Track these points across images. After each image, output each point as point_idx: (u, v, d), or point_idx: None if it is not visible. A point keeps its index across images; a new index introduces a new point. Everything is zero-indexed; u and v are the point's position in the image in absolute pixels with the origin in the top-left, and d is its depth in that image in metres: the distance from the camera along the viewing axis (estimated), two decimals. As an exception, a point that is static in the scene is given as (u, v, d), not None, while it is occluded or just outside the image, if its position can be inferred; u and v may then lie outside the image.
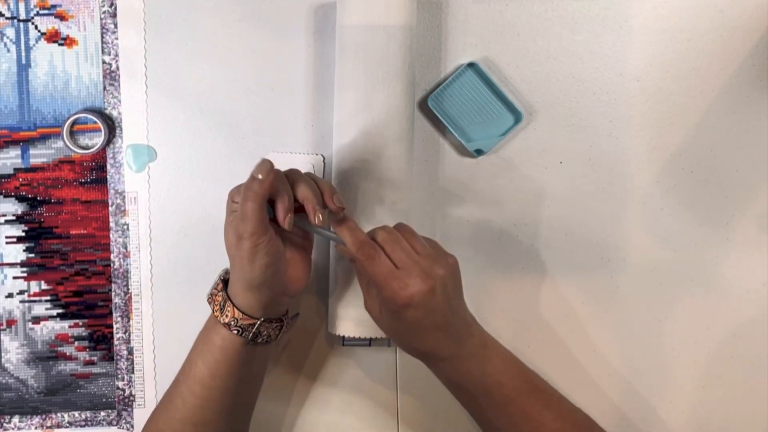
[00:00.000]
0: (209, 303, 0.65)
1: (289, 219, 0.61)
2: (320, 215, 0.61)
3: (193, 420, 0.64)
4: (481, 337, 0.65)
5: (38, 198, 0.75)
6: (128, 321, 0.76)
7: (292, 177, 0.63)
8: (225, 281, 0.65)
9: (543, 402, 0.64)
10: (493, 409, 0.64)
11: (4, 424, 0.76)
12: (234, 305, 0.63)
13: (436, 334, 0.62)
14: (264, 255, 0.60)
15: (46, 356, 0.76)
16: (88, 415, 0.77)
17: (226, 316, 0.63)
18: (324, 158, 0.76)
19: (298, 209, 0.62)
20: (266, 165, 0.60)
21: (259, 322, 0.63)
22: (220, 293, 0.64)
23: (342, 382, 0.77)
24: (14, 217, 0.75)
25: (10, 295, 0.76)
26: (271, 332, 0.65)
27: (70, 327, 0.76)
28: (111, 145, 0.75)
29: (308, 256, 0.67)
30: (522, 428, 0.63)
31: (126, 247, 0.76)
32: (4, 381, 0.76)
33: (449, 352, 0.63)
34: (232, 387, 0.65)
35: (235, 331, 0.63)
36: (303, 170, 0.74)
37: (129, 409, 0.77)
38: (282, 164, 0.75)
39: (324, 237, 0.64)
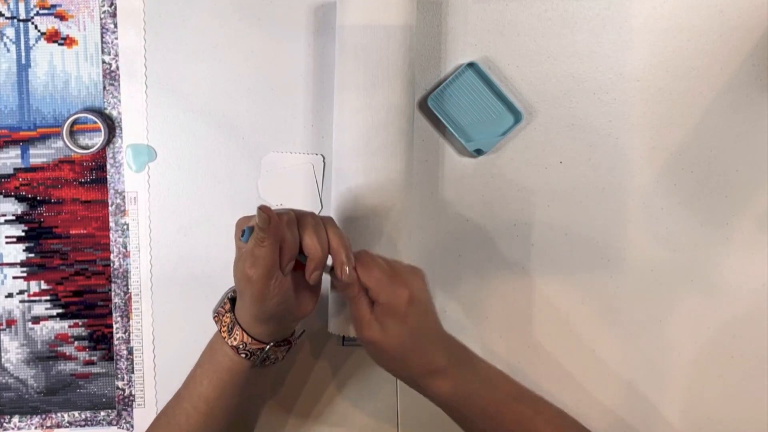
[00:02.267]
0: (215, 321, 0.65)
1: (289, 267, 0.60)
2: (316, 276, 0.61)
3: None
4: (467, 351, 0.64)
5: (38, 198, 0.75)
6: (128, 321, 0.76)
7: (303, 224, 0.61)
8: (232, 300, 0.65)
9: (533, 408, 0.63)
10: (486, 420, 0.63)
11: (4, 424, 0.76)
12: (243, 329, 0.62)
13: (435, 341, 0.62)
14: (275, 295, 0.60)
15: (45, 356, 0.76)
16: (88, 415, 0.77)
17: (235, 339, 0.62)
18: (324, 158, 0.76)
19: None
20: (263, 216, 0.58)
21: (268, 347, 0.63)
22: (228, 314, 0.64)
23: (342, 382, 0.77)
24: (14, 217, 0.75)
25: (9, 295, 0.76)
26: (279, 354, 0.65)
27: (69, 327, 0.76)
28: (111, 145, 0.75)
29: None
30: None
31: (126, 247, 0.76)
32: (3, 381, 0.76)
33: (444, 362, 0.62)
34: (238, 406, 0.65)
35: (243, 355, 0.63)
36: (303, 170, 0.74)
37: (129, 409, 0.77)
38: (282, 164, 0.76)
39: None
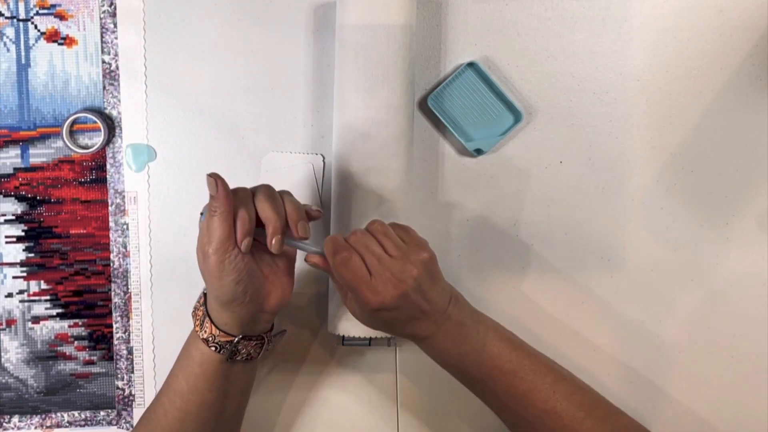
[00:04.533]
0: (192, 317, 0.65)
1: (246, 243, 0.60)
2: (277, 241, 0.60)
3: None
4: (459, 316, 0.64)
5: (38, 198, 0.75)
6: (128, 321, 0.76)
7: (258, 196, 0.61)
8: (206, 294, 0.65)
9: (532, 382, 0.63)
10: (478, 384, 0.64)
11: (4, 424, 0.76)
12: (212, 321, 0.63)
13: (411, 323, 0.62)
14: (231, 271, 0.60)
15: (45, 356, 0.76)
16: (88, 414, 0.77)
17: (205, 331, 0.63)
18: (324, 158, 0.76)
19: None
20: (211, 181, 0.59)
21: (236, 340, 0.63)
22: (202, 308, 0.64)
23: (342, 382, 0.77)
24: (14, 217, 0.75)
25: (9, 295, 0.76)
26: (251, 350, 0.64)
27: (69, 327, 0.76)
28: (111, 145, 0.75)
29: (289, 271, 0.65)
30: (513, 404, 0.63)
31: (126, 247, 0.76)
32: (3, 381, 0.76)
33: (425, 333, 0.63)
34: (212, 402, 0.64)
35: (213, 348, 0.63)
36: (303, 170, 0.74)
37: (129, 409, 0.77)
38: (282, 164, 0.76)
39: (297, 248, 0.64)
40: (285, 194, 0.63)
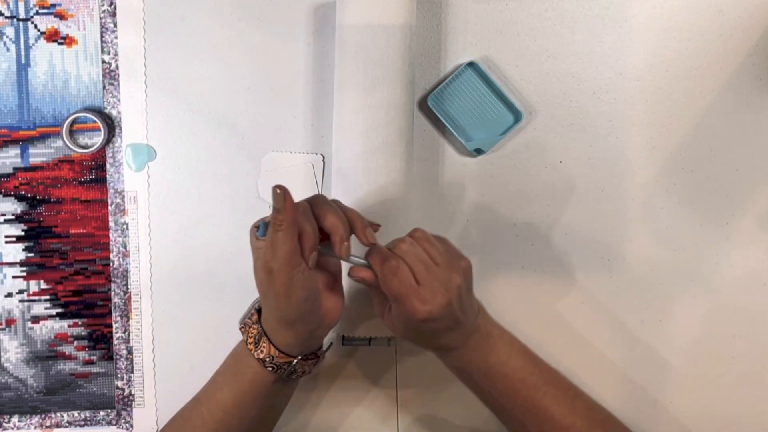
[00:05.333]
0: (242, 332, 0.63)
1: (313, 257, 0.58)
2: (346, 248, 0.58)
3: None
4: (487, 327, 0.64)
5: (37, 197, 0.75)
6: (127, 320, 0.76)
7: (317, 206, 0.59)
8: (259, 311, 0.63)
9: (553, 396, 0.63)
10: (499, 397, 0.64)
11: (4, 424, 0.76)
12: (271, 342, 0.60)
13: (446, 334, 0.62)
14: (300, 288, 0.57)
15: (45, 356, 0.76)
16: (88, 414, 0.77)
17: (261, 351, 0.61)
18: (324, 158, 0.76)
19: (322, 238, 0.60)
20: (278, 194, 0.56)
21: (295, 362, 0.61)
22: (255, 325, 0.62)
23: (342, 381, 0.77)
24: (13, 217, 0.75)
25: (9, 295, 0.76)
26: (306, 368, 0.63)
27: (69, 326, 0.76)
28: (110, 145, 0.75)
29: (340, 284, 0.64)
30: (531, 420, 0.63)
31: (125, 247, 0.76)
32: (3, 380, 0.76)
33: (456, 344, 0.62)
34: (256, 417, 0.64)
35: (270, 368, 0.61)
36: (302, 169, 0.74)
37: (128, 409, 0.77)
38: (282, 164, 0.76)
39: (348, 262, 0.62)
40: (337, 202, 0.61)
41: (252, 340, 0.61)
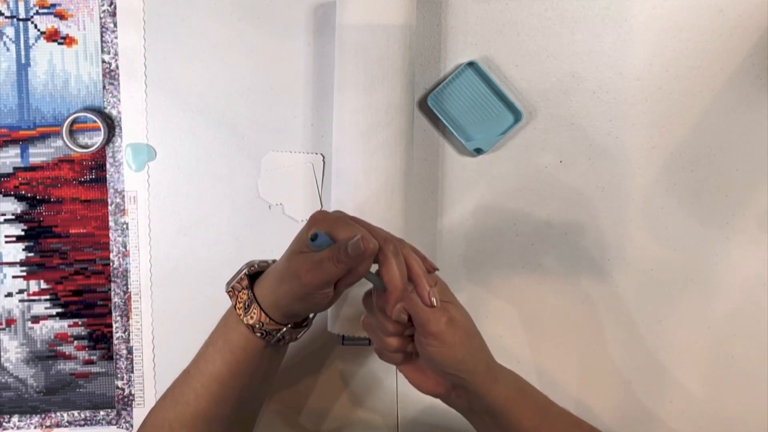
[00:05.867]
0: (229, 295, 0.62)
1: (397, 310, 0.58)
2: (398, 311, 0.58)
3: (206, 415, 0.62)
4: (494, 362, 0.63)
5: (38, 197, 0.75)
6: (127, 320, 0.76)
7: (383, 251, 0.58)
8: (250, 276, 0.62)
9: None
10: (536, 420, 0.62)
11: (4, 424, 0.76)
12: (261, 309, 0.60)
13: (479, 348, 0.61)
14: (313, 302, 0.59)
15: (45, 355, 0.76)
16: (88, 414, 0.77)
17: (251, 317, 0.60)
18: (324, 158, 0.76)
19: None
20: (357, 246, 0.56)
21: (285, 329, 0.61)
22: (246, 291, 0.61)
23: (342, 381, 0.77)
24: (13, 216, 0.75)
25: (9, 295, 0.76)
26: (294, 335, 0.64)
27: (69, 326, 0.76)
28: (110, 144, 0.75)
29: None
30: None
31: (125, 247, 0.76)
32: (3, 380, 0.76)
33: (482, 368, 0.61)
34: (250, 384, 0.63)
35: (259, 334, 0.61)
36: (302, 169, 0.74)
37: (128, 409, 0.77)
38: (282, 164, 0.76)
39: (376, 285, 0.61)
40: (405, 248, 0.60)
41: (241, 305, 0.61)
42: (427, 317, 0.58)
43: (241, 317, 0.61)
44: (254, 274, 0.63)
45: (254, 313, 0.60)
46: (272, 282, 0.60)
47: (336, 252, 0.56)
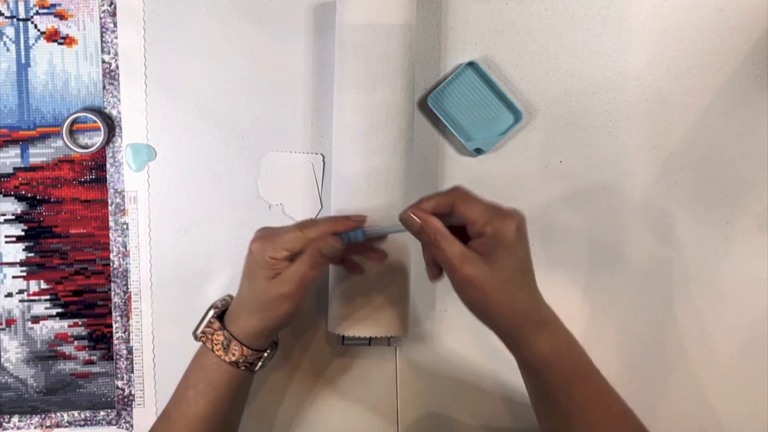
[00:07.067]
0: (203, 341, 0.64)
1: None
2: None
3: None
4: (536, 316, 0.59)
5: (38, 197, 0.75)
6: (128, 320, 0.76)
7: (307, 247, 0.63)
8: (219, 317, 0.65)
9: (607, 385, 0.60)
10: (570, 387, 0.59)
11: (4, 424, 0.76)
12: (241, 344, 0.63)
13: (536, 288, 0.59)
14: (299, 308, 0.62)
15: (45, 356, 0.76)
16: (88, 414, 0.77)
17: (233, 355, 0.63)
18: (324, 158, 0.76)
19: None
20: (334, 248, 0.61)
21: (265, 355, 0.65)
22: (220, 332, 0.63)
23: (342, 381, 0.77)
24: (14, 217, 0.75)
25: (9, 295, 0.76)
26: (271, 355, 0.67)
27: (69, 326, 0.76)
28: (110, 145, 0.75)
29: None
30: (593, 409, 0.59)
31: (125, 247, 0.76)
32: (3, 380, 0.76)
33: (547, 314, 0.59)
34: (234, 413, 0.67)
35: (243, 368, 0.63)
36: (302, 169, 0.74)
37: (128, 409, 0.77)
38: (282, 164, 0.76)
39: (398, 232, 0.62)
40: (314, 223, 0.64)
41: (219, 347, 0.63)
42: (447, 270, 0.57)
43: (223, 357, 0.63)
44: (224, 311, 0.66)
45: (235, 350, 0.63)
46: (248, 315, 0.63)
47: (312, 257, 0.61)
